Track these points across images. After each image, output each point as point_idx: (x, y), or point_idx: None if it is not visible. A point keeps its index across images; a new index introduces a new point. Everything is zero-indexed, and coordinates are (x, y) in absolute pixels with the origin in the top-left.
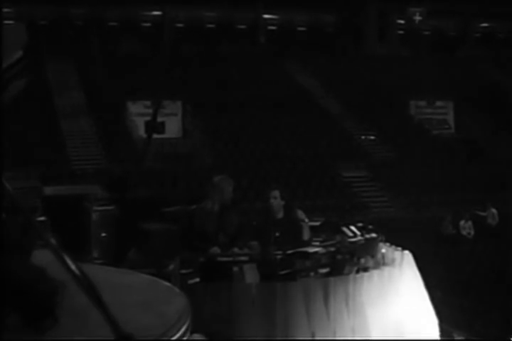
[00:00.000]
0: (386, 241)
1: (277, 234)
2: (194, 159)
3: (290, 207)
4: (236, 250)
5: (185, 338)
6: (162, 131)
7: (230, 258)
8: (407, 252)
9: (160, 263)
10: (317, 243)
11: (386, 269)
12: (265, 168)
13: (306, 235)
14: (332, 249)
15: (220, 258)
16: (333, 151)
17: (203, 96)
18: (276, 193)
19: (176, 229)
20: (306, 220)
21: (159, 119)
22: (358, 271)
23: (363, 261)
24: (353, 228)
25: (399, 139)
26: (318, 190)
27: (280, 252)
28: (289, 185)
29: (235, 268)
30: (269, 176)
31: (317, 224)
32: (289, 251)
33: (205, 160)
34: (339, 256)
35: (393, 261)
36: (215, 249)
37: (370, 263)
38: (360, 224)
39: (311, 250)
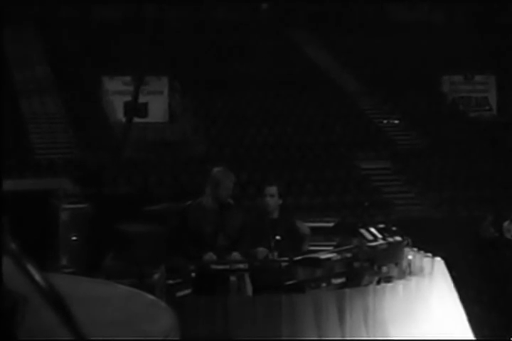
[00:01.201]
0: (413, 245)
1: (278, 238)
2: (184, 148)
3: (286, 207)
4: (237, 255)
5: None
6: (145, 114)
7: (227, 266)
8: (438, 259)
9: (142, 271)
10: (330, 247)
11: (413, 279)
12: (268, 158)
13: (305, 247)
14: (348, 255)
15: (214, 266)
16: (349, 138)
17: (195, 72)
18: (274, 190)
19: (162, 230)
20: (307, 232)
21: (141, 99)
22: (379, 282)
23: (385, 269)
24: (373, 230)
25: (429, 123)
26: (331, 185)
27: (285, 259)
28: (296, 178)
29: (233, 278)
30: (273, 168)
31: (330, 225)
32: (296, 258)
33: (197, 149)
34: (356, 264)
35: (422, 269)
36: (210, 255)
37: (394, 272)
38: (381, 226)
39: (323, 256)
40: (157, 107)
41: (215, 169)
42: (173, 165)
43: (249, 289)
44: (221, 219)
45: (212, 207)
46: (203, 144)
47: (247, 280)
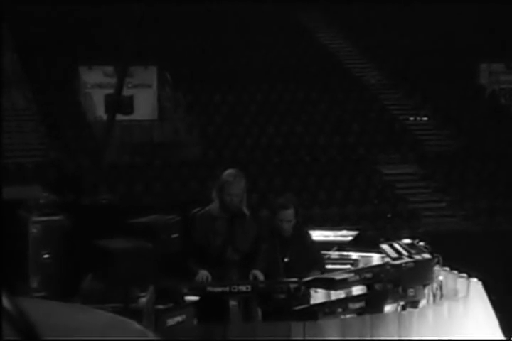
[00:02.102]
0: (445, 264)
1: (286, 259)
2: (176, 150)
3: (300, 224)
4: (258, 273)
5: None
6: (130, 110)
7: (226, 289)
8: (475, 280)
9: (127, 295)
10: (347, 266)
11: (445, 304)
12: (274, 162)
13: (318, 267)
14: (368, 276)
15: (211, 289)
16: (369, 138)
17: (189, 61)
18: (290, 215)
19: (151, 246)
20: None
21: (126, 93)
22: (404, 307)
23: (411, 292)
24: (397, 245)
25: (464, 120)
26: (348, 193)
27: (294, 280)
28: (307, 185)
29: (233, 303)
30: (280, 173)
31: (347, 240)
32: (307, 279)
33: (191, 151)
34: (378, 286)
35: (455, 292)
36: (203, 275)
37: (422, 295)
38: (407, 241)
39: (339, 276)
40: (144, 102)
41: (228, 171)
42: (164, 170)
43: (252, 315)
44: (231, 231)
45: (220, 216)
46: (198, 146)
47: (251, 304)
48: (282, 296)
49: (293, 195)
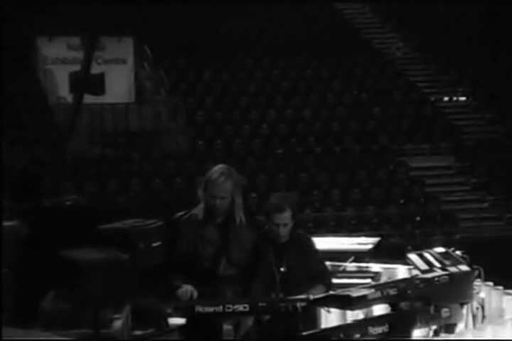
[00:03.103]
0: (488, 278)
1: (282, 269)
2: (158, 140)
3: (298, 228)
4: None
5: None
6: (101, 91)
7: (219, 308)
8: None
9: (98, 317)
10: (367, 280)
11: (488, 327)
12: (277, 154)
13: (326, 281)
14: (392, 292)
15: (201, 309)
16: (394, 125)
17: (172, 32)
18: (287, 218)
19: (126, 258)
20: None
21: (95, 70)
22: (437, 332)
23: (445, 312)
24: (427, 255)
25: (510, 101)
26: (368, 192)
27: (302, 297)
28: (316, 182)
29: (227, 326)
30: (284, 168)
31: (367, 248)
32: (318, 295)
33: (176, 141)
34: (404, 305)
35: (501, 313)
36: (187, 291)
37: (460, 316)
38: (440, 249)
39: (356, 293)
40: (118, 81)
41: (218, 167)
42: (143, 164)
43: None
44: (224, 239)
45: (209, 222)
46: (184, 134)
47: (249, 328)
48: (288, 318)
49: (296, 194)
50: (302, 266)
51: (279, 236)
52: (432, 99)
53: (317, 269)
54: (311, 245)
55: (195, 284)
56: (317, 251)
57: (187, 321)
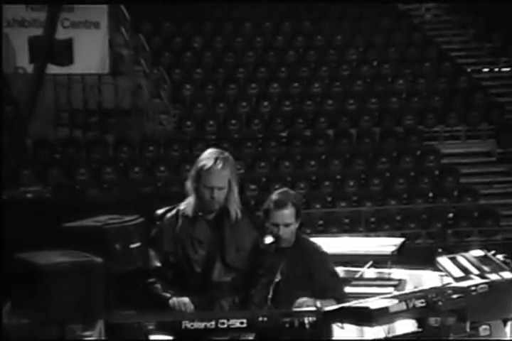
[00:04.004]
0: None
1: (278, 279)
2: (136, 120)
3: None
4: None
5: None
6: (68, 61)
7: (212, 324)
8: None
9: (63, 334)
10: (389, 290)
11: None
12: (280, 138)
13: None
14: (419, 304)
15: (190, 325)
16: (422, 102)
17: None
18: (289, 214)
19: (100, 262)
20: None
21: (61, 35)
22: None
23: (484, 330)
24: (462, 259)
25: None
26: (390, 183)
27: (311, 310)
28: (329, 172)
29: None
30: (289, 155)
31: (388, 250)
32: (328, 308)
33: (158, 121)
34: (434, 320)
35: None
36: (180, 302)
37: (502, 334)
38: (478, 252)
39: (376, 305)
40: (89, 49)
41: (205, 152)
42: (119, 149)
43: None
44: (218, 239)
45: (200, 218)
46: (169, 113)
47: None
48: (294, 334)
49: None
50: (302, 280)
51: (279, 239)
52: (469, 70)
53: (328, 283)
54: (321, 258)
55: (184, 293)
56: (328, 263)
57: (173, 339)
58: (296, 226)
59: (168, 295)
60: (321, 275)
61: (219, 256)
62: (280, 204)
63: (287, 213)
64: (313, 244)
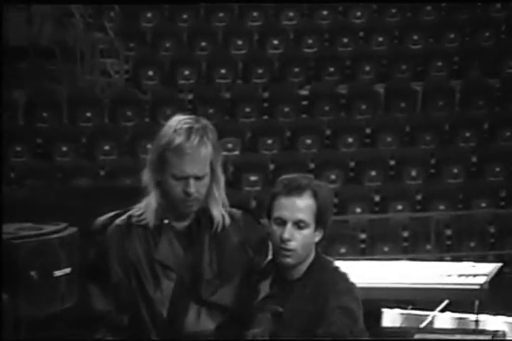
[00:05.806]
0: None
1: (280, 309)
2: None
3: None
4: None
5: None
6: None
7: None
8: None
9: None
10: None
11: None
12: (278, 117)
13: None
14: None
15: None
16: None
17: None
18: (305, 206)
19: (4, 300)
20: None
21: None
22: None
23: None
24: None
25: None
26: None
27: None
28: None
29: None
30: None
31: (475, 281)
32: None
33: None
34: None
35: None
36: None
37: None
38: None
39: (419, 335)
40: None
41: (172, 119)
42: (34, 116)
43: None
44: (194, 264)
45: (168, 228)
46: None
47: None
48: None
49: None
50: (312, 313)
51: (283, 266)
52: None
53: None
54: (349, 298)
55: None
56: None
57: None
58: (316, 237)
59: None
60: (331, 311)
61: (194, 290)
62: (292, 188)
63: (301, 205)
64: (339, 270)
